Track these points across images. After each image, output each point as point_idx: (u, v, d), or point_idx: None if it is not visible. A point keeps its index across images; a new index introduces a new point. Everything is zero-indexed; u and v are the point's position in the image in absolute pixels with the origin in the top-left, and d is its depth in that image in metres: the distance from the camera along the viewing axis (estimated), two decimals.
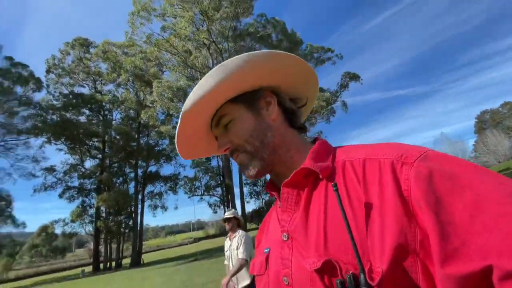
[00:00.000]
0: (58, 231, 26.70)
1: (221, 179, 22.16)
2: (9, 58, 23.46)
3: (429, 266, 0.33)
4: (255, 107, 0.53)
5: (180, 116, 0.51)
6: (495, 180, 0.31)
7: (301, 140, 0.54)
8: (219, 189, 23.09)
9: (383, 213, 0.36)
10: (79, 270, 28.99)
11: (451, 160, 0.36)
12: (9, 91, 23.19)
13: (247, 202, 21.75)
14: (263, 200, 21.74)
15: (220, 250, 16.79)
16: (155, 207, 25.72)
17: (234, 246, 2.88)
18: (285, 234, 0.47)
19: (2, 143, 24.68)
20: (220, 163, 22.63)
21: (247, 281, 2.70)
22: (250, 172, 0.52)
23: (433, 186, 0.33)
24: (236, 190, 21.05)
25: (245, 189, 22.67)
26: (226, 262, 3.06)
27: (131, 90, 24.66)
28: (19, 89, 24.05)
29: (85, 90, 27.73)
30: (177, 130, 0.52)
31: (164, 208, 25.69)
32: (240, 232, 2.94)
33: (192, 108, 0.49)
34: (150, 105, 21.77)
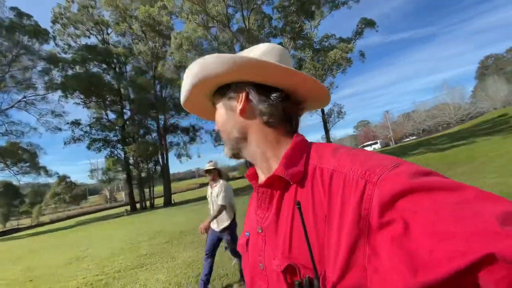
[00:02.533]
0: (93, 180, 28.98)
1: None
2: (14, 9, 22.26)
3: (372, 283, 0.35)
4: (228, 101, 0.56)
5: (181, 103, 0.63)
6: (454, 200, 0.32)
7: (277, 138, 0.54)
8: None
9: (340, 227, 0.39)
10: (115, 211, 32.71)
11: (416, 176, 0.36)
12: (23, 45, 22.71)
13: None
14: None
15: (239, 190, 19.35)
16: (180, 155, 27.92)
17: (214, 194, 3.16)
18: (259, 227, 0.54)
19: (25, 99, 25.25)
20: None
21: (226, 223, 3.08)
22: (227, 155, 0.60)
23: (393, 207, 0.34)
24: None
25: None
26: (209, 206, 3.37)
27: (144, 42, 24.18)
28: (26, 42, 23.49)
29: (91, 41, 26.99)
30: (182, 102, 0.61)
31: (189, 156, 27.95)
32: (221, 182, 3.20)
33: (185, 103, 0.62)
34: (169, 57, 21.84)
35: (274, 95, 0.53)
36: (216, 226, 3.11)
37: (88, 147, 26.31)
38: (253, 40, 22.07)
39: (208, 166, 3.22)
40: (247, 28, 20.97)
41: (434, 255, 0.30)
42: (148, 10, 20.95)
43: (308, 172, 0.48)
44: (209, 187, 3.32)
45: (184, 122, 30.56)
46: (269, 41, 24.73)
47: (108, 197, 74.11)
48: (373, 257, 0.35)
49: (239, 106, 0.54)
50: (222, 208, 3.05)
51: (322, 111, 24.46)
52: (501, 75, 47.16)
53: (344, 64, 19.30)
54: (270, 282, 0.49)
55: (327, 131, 25.00)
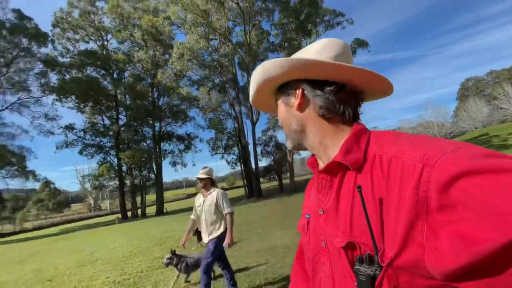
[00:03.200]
0: (87, 185, 28.26)
1: (238, 139, 24.18)
2: (16, 11, 22.25)
3: (430, 259, 0.37)
4: (287, 98, 0.62)
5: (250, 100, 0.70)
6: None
7: (334, 129, 0.57)
8: (235, 148, 25.26)
9: (399, 209, 0.41)
10: (103, 219, 31.66)
11: (477, 158, 0.36)
12: (22, 47, 22.56)
13: (260, 160, 24.22)
14: (273, 159, 24.55)
15: (233, 200, 19.49)
16: (175, 163, 27.80)
17: (208, 202, 3.02)
18: (321, 209, 0.57)
19: (19, 101, 24.78)
20: (236, 125, 24.37)
21: (219, 232, 2.99)
22: (288, 147, 0.66)
23: (452, 188, 0.35)
24: (250, 149, 23.39)
25: (258, 149, 24.98)
26: (192, 216, 3.24)
27: (144, 50, 24.53)
28: (25, 44, 23.37)
29: (90, 46, 27.07)
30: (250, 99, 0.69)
31: (183, 164, 27.88)
32: (216, 190, 3.07)
33: (252, 102, 0.70)
34: (170, 65, 22.20)
35: (328, 88, 0.56)
36: (207, 236, 3.00)
37: (81, 152, 25.88)
38: (253, 53, 22.91)
39: (201, 174, 3.08)
40: (248, 42, 21.75)
41: (489, 234, 0.31)
42: (152, 20, 21.44)
43: (368, 159, 0.50)
44: (200, 195, 3.18)
45: (180, 130, 30.72)
46: (267, 56, 25.83)
47: (92, 205, 71.46)
48: (432, 236, 0.37)
49: (296, 101, 0.60)
50: (232, 215, 2.99)
51: None
52: (481, 97, 50.19)
53: None
54: (332, 259, 0.54)
55: None
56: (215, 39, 23.06)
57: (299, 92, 0.60)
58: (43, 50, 25.20)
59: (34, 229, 37.04)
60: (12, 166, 26.34)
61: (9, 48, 22.63)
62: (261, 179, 25.84)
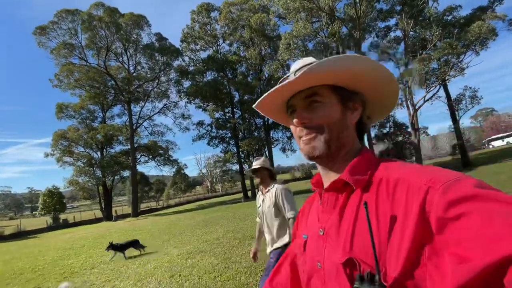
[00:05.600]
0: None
1: None
2: (157, 34, 28.40)
3: (431, 278, 0.39)
4: (346, 105, 0.60)
5: (290, 76, 0.59)
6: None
7: (357, 150, 0.60)
8: None
9: (403, 229, 0.42)
10: (227, 198, 37.59)
11: (478, 186, 0.39)
12: (163, 63, 28.77)
13: (375, 144, 22.35)
14: (392, 141, 21.94)
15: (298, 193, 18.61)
16: (284, 149, 29.65)
17: (267, 202, 2.42)
18: (321, 230, 0.57)
19: (164, 106, 32.00)
20: None
21: (285, 240, 2.33)
22: (313, 152, 0.58)
23: (453, 210, 0.37)
24: None
25: (372, 132, 23.15)
26: (258, 219, 2.67)
27: (253, 47, 26.56)
28: (166, 60, 29.58)
29: (208, 53, 31.53)
30: (281, 84, 0.57)
31: (292, 150, 29.39)
32: (275, 186, 2.42)
33: (314, 73, 0.53)
34: (278, 57, 23.38)
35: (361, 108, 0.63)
36: (270, 245, 2.43)
37: (208, 143, 31.15)
38: (362, 27, 21.09)
39: (255, 165, 2.46)
40: (358, 15, 20.12)
41: (480, 252, 0.33)
42: (260, 17, 22.91)
43: (374, 181, 0.52)
44: (259, 193, 2.60)
45: None
46: (376, 27, 23.22)
47: (209, 187, 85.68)
48: (433, 256, 0.38)
49: (354, 115, 0.61)
50: (293, 221, 2.22)
51: (448, 97, 21.09)
52: None
53: (490, 38, 16.05)
54: (327, 280, 0.53)
55: (455, 121, 21.43)
56: (320, 21, 22.53)
57: (359, 106, 0.62)
58: (176, 62, 31.11)
59: (176, 205, 47.60)
60: (161, 156, 34.50)
61: (155, 65, 29.22)
62: None
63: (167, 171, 38.05)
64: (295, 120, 0.60)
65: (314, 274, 0.57)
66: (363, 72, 0.57)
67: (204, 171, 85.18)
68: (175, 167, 35.41)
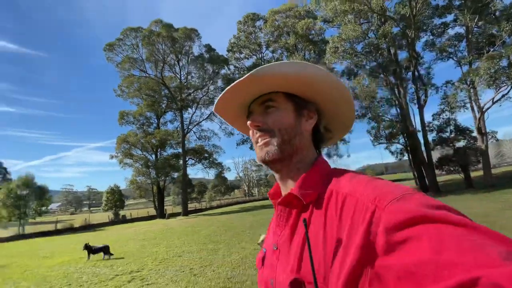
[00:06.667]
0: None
1: (404, 126, 21.96)
2: (206, 45, 30.34)
3: None
4: (300, 112, 0.61)
5: (245, 76, 0.56)
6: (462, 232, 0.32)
7: (312, 160, 0.60)
8: (400, 136, 23.20)
9: (346, 249, 0.40)
10: (268, 201, 37.95)
11: (426, 207, 0.36)
12: (212, 72, 30.56)
13: (432, 149, 20.78)
14: (453, 146, 20.14)
15: None
16: (329, 155, 29.19)
17: None
18: (275, 244, 0.56)
19: (211, 113, 33.81)
20: (398, 110, 22.25)
21: None
22: (265, 156, 0.58)
23: (399, 234, 0.35)
24: (420, 136, 20.58)
25: (430, 136, 21.61)
26: None
27: (297, 52, 26.86)
28: (214, 69, 31.39)
29: (251, 62, 32.65)
30: (232, 84, 0.58)
31: (339, 155, 28.78)
32: None
33: (261, 75, 0.56)
34: (325, 62, 23.32)
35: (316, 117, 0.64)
36: None
37: (251, 147, 32.08)
38: (417, 26, 20.05)
39: None
40: (413, 14, 19.22)
41: (431, 279, 0.30)
42: (306, 22, 23.18)
43: (325, 194, 0.50)
44: None
45: None
46: (431, 24, 21.84)
47: (247, 191, 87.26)
48: (375, 281, 0.36)
49: (309, 123, 0.62)
50: None
51: None
52: None
53: None
54: None
55: None
56: (369, 22, 21.99)
57: (314, 116, 0.63)
58: (222, 71, 32.83)
59: (218, 206, 49.39)
60: (206, 159, 36.32)
61: (205, 74, 31.16)
62: (437, 171, 22.27)
63: (212, 173, 39.85)
64: (248, 122, 0.61)
65: None
66: (312, 81, 0.58)
67: (241, 174, 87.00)
68: (219, 169, 37.01)
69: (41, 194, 27.57)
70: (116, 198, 33.80)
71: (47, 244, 15.19)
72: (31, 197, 26.64)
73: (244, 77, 0.56)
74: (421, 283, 0.31)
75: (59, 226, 25.93)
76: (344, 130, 0.71)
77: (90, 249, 8.29)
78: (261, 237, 5.16)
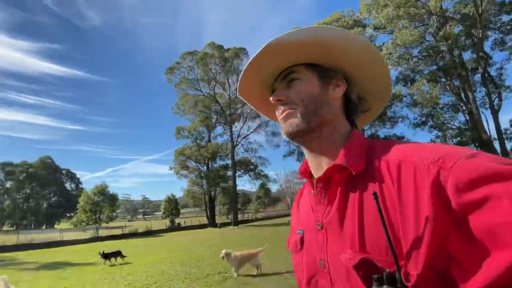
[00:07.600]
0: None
1: (476, 134, 19.76)
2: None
3: (461, 267, 0.33)
4: (325, 81, 0.56)
5: (262, 48, 0.53)
6: None
7: (348, 132, 0.55)
8: (471, 145, 20.89)
9: (417, 218, 0.36)
10: None
11: (496, 163, 0.33)
12: None
13: None
14: None
15: None
16: None
17: None
18: (318, 223, 0.50)
19: (258, 126, 34.94)
20: (467, 117, 20.15)
21: None
22: (290, 128, 0.54)
23: (472, 193, 0.32)
24: (496, 145, 18.21)
25: (508, 145, 19.00)
26: None
27: None
28: None
29: None
30: (250, 59, 0.56)
31: None
32: None
33: (274, 44, 0.53)
34: None
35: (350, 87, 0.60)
36: None
37: (298, 159, 31.99)
38: (483, 24, 18.29)
39: None
40: (479, 13, 17.67)
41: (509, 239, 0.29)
42: (357, 31, 22.91)
43: (372, 165, 0.45)
44: None
45: (387, 132, 30.04)
46: (499, 22, 19.65)
47: (289, 203, 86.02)
48: (461, 245, 0.33)
49: (336, 92, 0.57)
50: None
51: None
52: None
53: None
54: (335, 280, 0.46)
55: None
56: (424, 25, 20.78)
57: (343, 83, 0.58)
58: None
59: (263, 218, 49.57)
60: (252, 171, 37.14)
61: None
62: None
63: (257, 185, 40.50)
64: (271, 98, 0.58)
65: (317, 274, 0.51)
66: (331, 44, 0.53)
67: (284, 186, 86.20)
68: (263, 180, 37.47)
69: (113, 201, 31.25)
70: (173, 207, 36.47)
71: (129, 245, 17.12)
72: (104, 204, 30.36)
73: (260, 49, 0.54)
74: (507, 243, 0.29)
75: (126, 230, 28.97)
76: (381, 99, 0.64)
77: (106, 256, 9.62)
78: (222, 252, 6.26)
